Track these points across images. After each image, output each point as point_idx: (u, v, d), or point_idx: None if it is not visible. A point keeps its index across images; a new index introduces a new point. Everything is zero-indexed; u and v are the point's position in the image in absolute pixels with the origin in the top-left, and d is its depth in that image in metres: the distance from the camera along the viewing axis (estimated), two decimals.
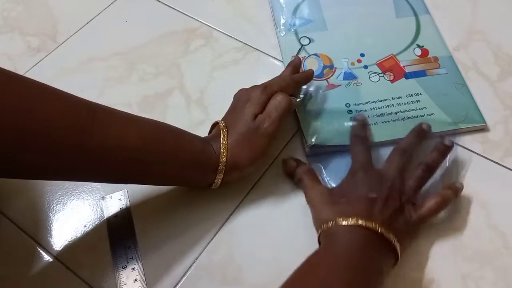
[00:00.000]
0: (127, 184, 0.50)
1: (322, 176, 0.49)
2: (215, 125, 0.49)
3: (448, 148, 0.47)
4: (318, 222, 0.44)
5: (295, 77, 0.52)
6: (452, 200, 0.45)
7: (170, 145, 0.43)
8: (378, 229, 0.40)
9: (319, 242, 0.43)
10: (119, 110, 0.42)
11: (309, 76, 0.53)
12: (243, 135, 0.46)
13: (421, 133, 0.48)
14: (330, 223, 0.41)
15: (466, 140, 0.51)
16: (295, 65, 0.54)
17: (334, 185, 0.48)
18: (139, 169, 0.42)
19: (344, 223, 0.40)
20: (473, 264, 0.44)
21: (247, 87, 0.50)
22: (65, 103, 0.39)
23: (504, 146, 0.50)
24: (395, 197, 0.43)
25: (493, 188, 0.48)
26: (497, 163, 0.49)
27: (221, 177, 0.45)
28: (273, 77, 0.52)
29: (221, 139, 0.45)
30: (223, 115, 0.49)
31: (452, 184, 0.46)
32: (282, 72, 0.53)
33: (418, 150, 0.47)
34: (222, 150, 0.45)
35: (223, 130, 0.46)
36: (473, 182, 0.48)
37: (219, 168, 0.45)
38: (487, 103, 0.53)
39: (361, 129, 0.49)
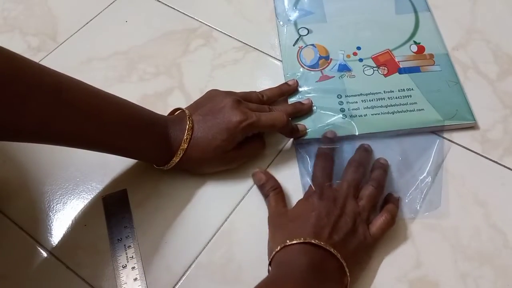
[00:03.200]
0: (127, 183, 0.50)
1: (308, 166, 0.49)
2: (177, 110, 0.49)
3: (386, 165, 0.48)
4: (269, 247, 0.43)
5: (289, 125, 0.49)
6: (397, 213, 0.45)
7: (133, 126, 0.45)
8: (327, 247, 0.39)
9: (269, 270, 0.42)
10: (85, 87, 0.43)
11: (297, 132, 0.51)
12: (206, 149, 0.46)
13: (366, 149, 0.49)
14: (279, 247, 0.40)
15: (466, 139, 0.51)
16: (287, 91, 0.54)
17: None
18: (98, 145, 0.44)
19: (293, 242, 0.40)
20: (473, 263, 0.44)
21: (225, 93, 0.49)
22: (31, 87, 0.38)
23: (503, 145, 0.51)
24: (347, 220, 0.42)
25: (493, 187, 0.48)
26: (496, 162, 0.49)
27: (174, 163, 0.47)
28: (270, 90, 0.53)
29: (185, 133, 0.46)
30: (191, 104, 0.50)
31: (389, 197, 0.46)
32: (279, 108, 0.51)
33: (369, 164, 0.48)
34: (182, 144, 0.46)
35: (188, 128, 0.46)
36: (472, 182, 0.48)
37: (173, 159, 0.46)
38: (486, 103, 0.53)
39: (328, 149, 0.48)
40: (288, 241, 0.40)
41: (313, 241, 0.40)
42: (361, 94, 0.53)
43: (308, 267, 0.39)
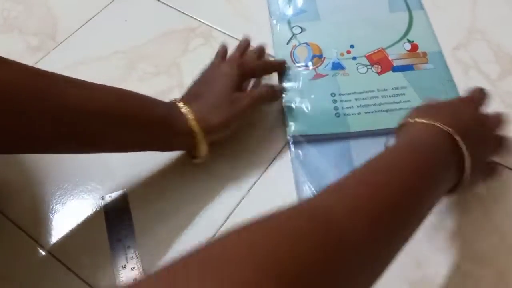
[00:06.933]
0: (126, 183, 0.50)
1: (303, 163, 0.49)
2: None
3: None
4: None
5: (270, 62, 0.56)
6: None
7: (134, 107, 0.45)
8: (454, 135, 0.38)
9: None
10: (80, 79, 0.43)
11: (281, 65, 0.56)
12: (212, 103, 0.47)
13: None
14: (411, 119, 0.41)
15: None
16: (244, 48, 0.55)
17: (314, 171, 0.49)
18: (103, 132, 0.43)
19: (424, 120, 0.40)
20: (473, 263, 0.44)
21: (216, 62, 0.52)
22: (25, 73, 0.39)
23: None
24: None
25: (493, 187, 0.48)
26: (496, 162, 0.49)
27: (204, 144, 0.47)
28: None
29: (182, 108, 0.46)
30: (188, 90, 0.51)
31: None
32: (235, 52, 0.54)
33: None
34: (188, 115, 0.46)
35: (183, 103, 0.47)
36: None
37: (193, 133, 0.46)
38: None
39: None
40: (419, 119, 0.41)
41: (441, 126, 0.39)
42: (354, 93, 0.53)
43: (435, 139, 0.39)
